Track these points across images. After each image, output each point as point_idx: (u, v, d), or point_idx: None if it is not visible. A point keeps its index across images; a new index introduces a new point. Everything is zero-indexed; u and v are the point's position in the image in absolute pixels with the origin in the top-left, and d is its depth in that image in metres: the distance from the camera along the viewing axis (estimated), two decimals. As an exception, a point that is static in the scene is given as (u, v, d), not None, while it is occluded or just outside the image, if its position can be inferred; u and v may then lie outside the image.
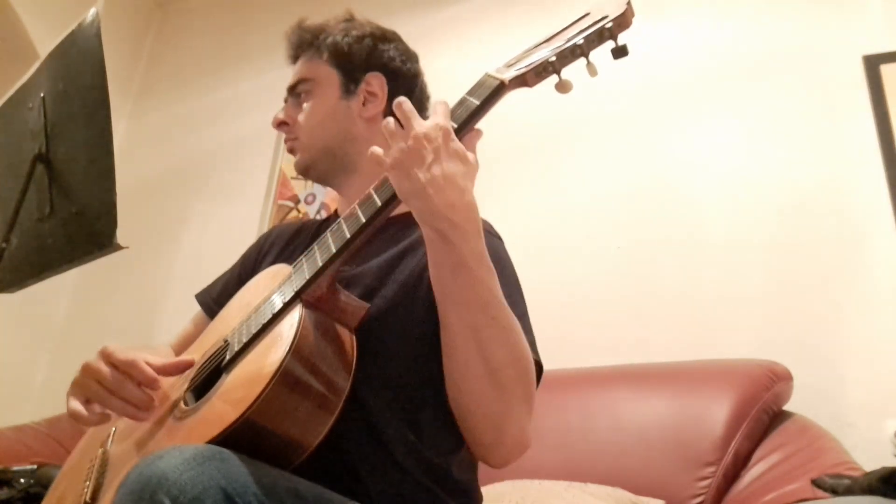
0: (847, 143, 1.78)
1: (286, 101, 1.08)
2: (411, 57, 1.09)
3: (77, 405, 0.81)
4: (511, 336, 0.75)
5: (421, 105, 1.08)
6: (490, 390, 0.75)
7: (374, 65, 1.03)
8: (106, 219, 0.96)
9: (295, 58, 1.08)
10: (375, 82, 1.03)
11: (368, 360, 0.79)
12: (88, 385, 0.80)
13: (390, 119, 0.74)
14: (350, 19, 1.08)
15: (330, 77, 1.03)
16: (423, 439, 0.83)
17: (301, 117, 1.03)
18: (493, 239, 0.94)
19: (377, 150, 0.74)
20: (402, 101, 0.74)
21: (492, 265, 0.75)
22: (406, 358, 0.85)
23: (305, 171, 1.05)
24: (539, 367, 0.84)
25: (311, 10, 1.18)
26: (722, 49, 2.02)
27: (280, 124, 1.06)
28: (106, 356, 0.80)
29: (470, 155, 0.73)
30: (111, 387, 0.78)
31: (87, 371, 0.80)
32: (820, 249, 1.71)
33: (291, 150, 1.06)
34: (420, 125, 0.71)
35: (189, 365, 0.84)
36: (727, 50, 2.01)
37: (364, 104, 1.02)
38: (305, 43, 1.06)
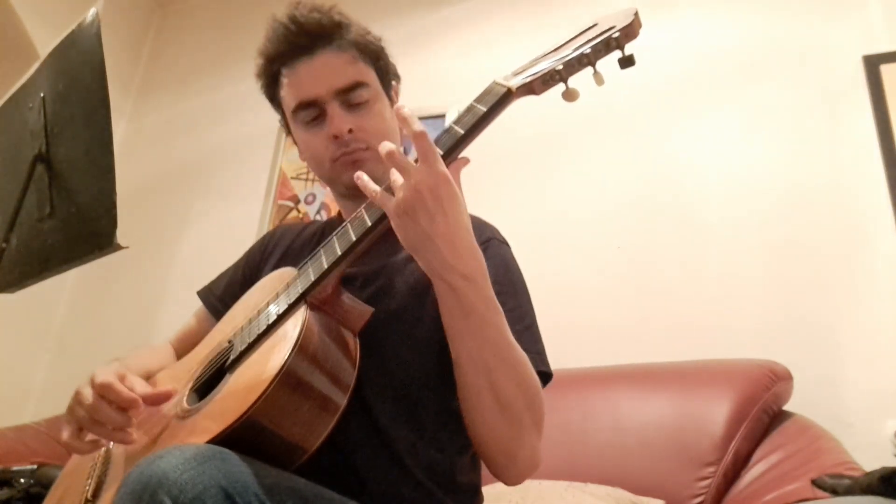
0: (847, 142, 1.78)
1: (320, 104, 0.94)
2: None
3: (66, 435, 0.81)
4: (518, 371, 0.77)
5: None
6: (501, 421, 0.77)
7: (394, 72, 1.03)
8: (106, 219, 0.95)
9: (310, 45, 0.93)
10: (395, 92, 1.02)
11: (372, 361, 0.79)
12: (76, 411, 0.80)
13: (407, 112, 0.70)
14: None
15: (377, 83, 0.98)
16: (426, 440, 0.83)
17: (371, 125, 0.93)
18: (501, 246, 0.94)
19: (364, 177, 0.73)
20: (392, 150, 0.69)
21: (499, 306, 0.76)
22: (410, 360, 0.85)
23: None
24: (549, 377, 0.87)
25: (311, 10, 1.17)
26: (722, 49, 2.02)
27: (349, 131, 0.92)
28: (90, 380, 0.80)
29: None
30: (91, 412, 0.77)
31: (75, 397, 0.80)
32: (820, 249, 1.71)
33: (358, 161, 0.92)
34: (416, 172, 0.68)
35: (168, 396, 0.82)
36: (727, 50, 2.01)
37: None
38: (326, 34, 0.94)
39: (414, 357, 0.85)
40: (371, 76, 0.97)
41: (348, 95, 0.93)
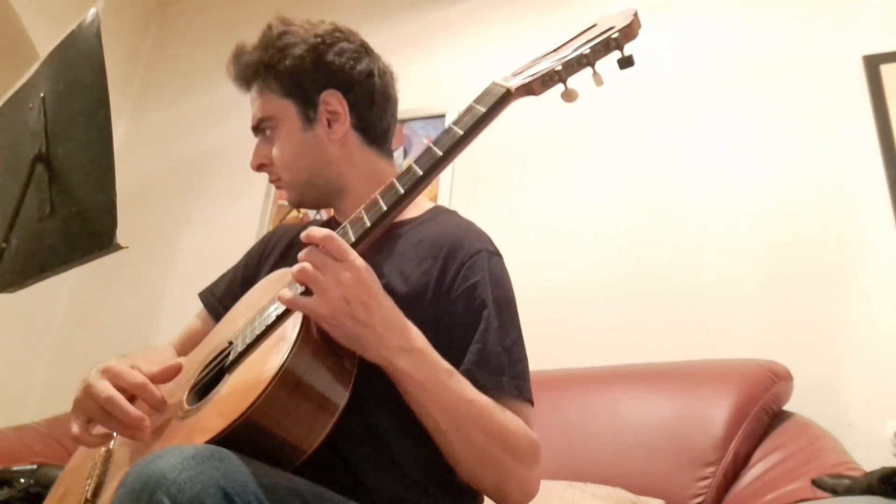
0: (847, 143, 1.78)
1: (256, 136, 1.06)
2: (358, 54, 1.01)
3: (77, 429, 0.81)
4: (485, 421, 0.78)
5: (387, 94, 1.04)
6: (481, 469, 0.79)
7: (325, 83, 0.98)
8: (106, 219, 0.95)
9: (247, 87, 1.05)
10: (333, 100, 0.98)
11: (368, 364, 0.79)
12: (89, 406, 0.79)
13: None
14: (284, 32, 1.00)
15: (286, 110, 1.00)
16: (424, 440, 0.83)
17: (276, 157, 1.01)
18: (492, 258, 0.92)
19: (286, 293, 0.75)
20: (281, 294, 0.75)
21: (448, 366, 0.78)
22: None
23: (299, 206, 1.05)
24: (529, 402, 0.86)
25: (310, 9, 1.17)
26: (721, 50, 2.02)
27: (259, 167, 1.04)
28: (112, 377, 0.79)
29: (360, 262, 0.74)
30: (111, 409, 0.77)
31: (88, 392, 0.79)
32: (820, 249, 1.71)
33: (279, 188, 1.05)
34: (338, 271, 0.72)
35: (178, 369, 0.85)
36: (727, 51, 2.01)
37: (329, 126, 0.99)
38: (249, 78, 1.03)
39: None
40: (276, 106, 1.01)
41: (261, 129, 1.04)
